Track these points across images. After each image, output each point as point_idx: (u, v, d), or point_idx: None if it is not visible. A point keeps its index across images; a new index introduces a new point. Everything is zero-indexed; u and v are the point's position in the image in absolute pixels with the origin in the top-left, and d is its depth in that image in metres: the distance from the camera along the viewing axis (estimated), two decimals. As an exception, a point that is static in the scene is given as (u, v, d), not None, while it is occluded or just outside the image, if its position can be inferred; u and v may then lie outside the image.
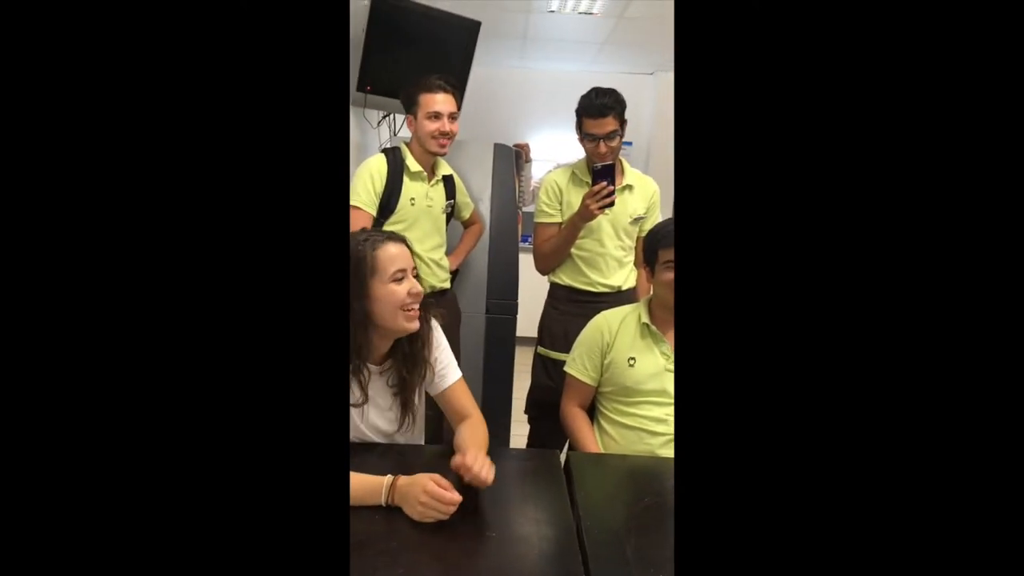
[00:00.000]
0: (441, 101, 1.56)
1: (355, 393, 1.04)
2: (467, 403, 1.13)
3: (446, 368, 1.13)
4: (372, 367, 1.08)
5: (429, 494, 0.83)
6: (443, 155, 1.66)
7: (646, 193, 1.70)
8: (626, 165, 1.71)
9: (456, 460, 0.86)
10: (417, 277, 1.05)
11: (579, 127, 1.62)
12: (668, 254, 1.26)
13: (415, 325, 1.04)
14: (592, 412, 1.39)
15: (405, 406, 1.09)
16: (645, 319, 1.33)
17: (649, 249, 1.32)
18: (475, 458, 0.86)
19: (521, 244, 2.19)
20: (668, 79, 3.96)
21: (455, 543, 0.81)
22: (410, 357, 1.08)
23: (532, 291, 2.07)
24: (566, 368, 1.40)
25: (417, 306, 1.04)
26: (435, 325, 1.14)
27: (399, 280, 1.01)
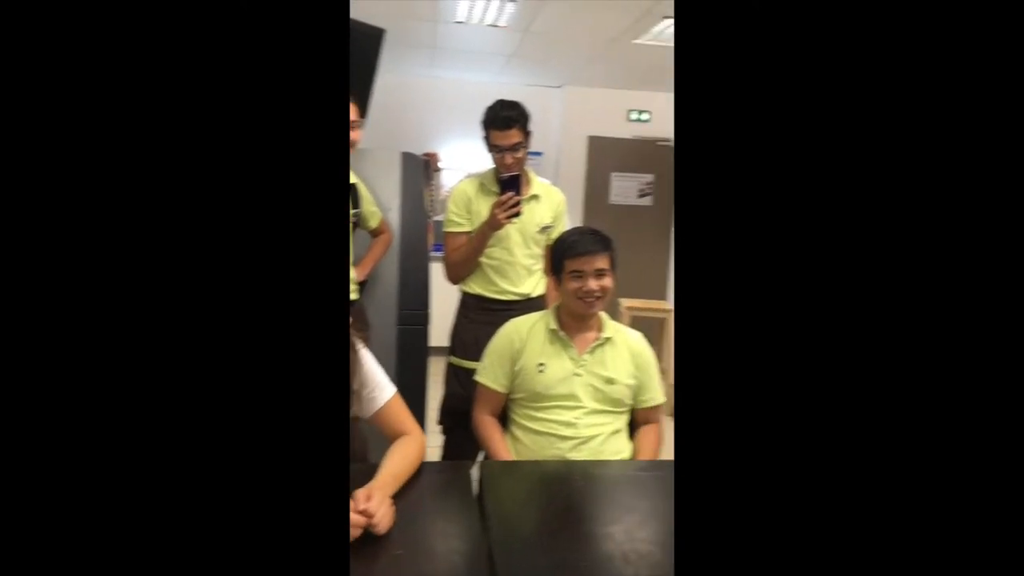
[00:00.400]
0: None
1: None
2: (404, 420, 1.07)
3: (375, 390, 1.06)
4: None
5: None
6: None
7: (552, 202, 1.75)
8: (532, 175, 1.75)
9: (360, 500, 0.82)
10: None
11: (485, 138, 1.64)
12: (573, 263, 1.30)
13: None
14: (505, 420, 1.40)
15: None
16: (554, 325, 1.36)
17: (555, 258, 1.36)
18: (378, 505, 0.83)
19: (432, 254, 2.17)
20: (574, 92, 4.11)
21: (360, 563, 0.79)
22: None
23: (444, 301, 2.05)
24: (476, 377, 1.40)
25: None
26: (360, 347, 1.07)
27: None
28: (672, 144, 4.28)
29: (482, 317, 1.69)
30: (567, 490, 1.08)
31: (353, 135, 1.56)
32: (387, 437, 1.07)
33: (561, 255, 1.33)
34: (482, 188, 1.70)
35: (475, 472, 1.09)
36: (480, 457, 1.40)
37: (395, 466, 0.97)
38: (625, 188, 4.31)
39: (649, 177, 4.30)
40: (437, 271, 1.86)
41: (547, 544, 0.88)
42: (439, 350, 1.89)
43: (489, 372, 1.38)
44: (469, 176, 1.76)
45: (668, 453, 1.39)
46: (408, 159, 2.09)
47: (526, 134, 1.63)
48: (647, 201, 4.33)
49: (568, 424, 1.30)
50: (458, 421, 1.58)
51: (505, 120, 1.58)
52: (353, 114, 1.55)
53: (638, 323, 2.91)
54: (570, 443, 1.29)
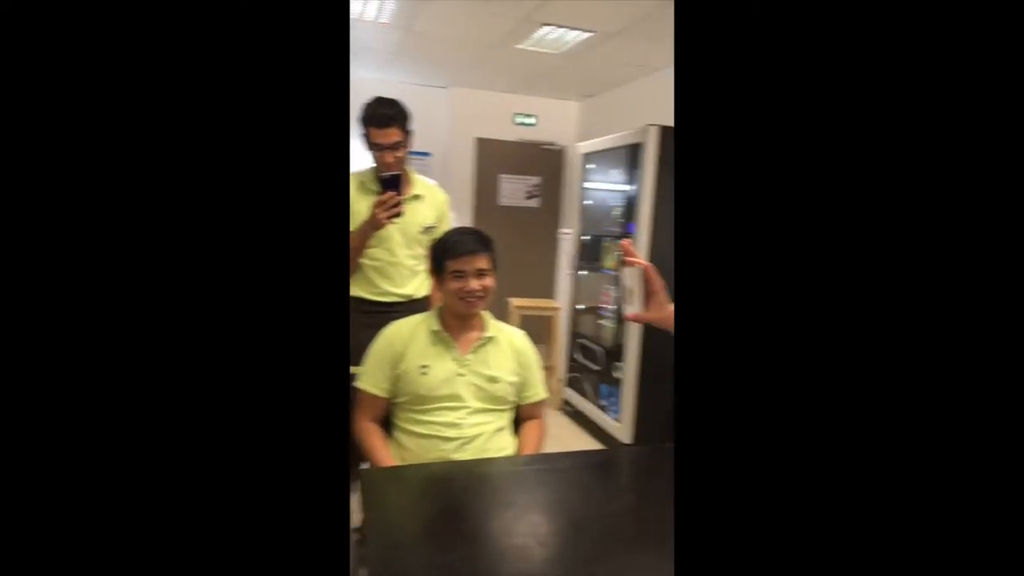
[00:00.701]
0: None
1: None
2: None
3: None
4: None
5: None
6: None
7: (435, 202, 1.74)
8: (414, 175, 1.73)
9: None
10: None
11: (364, 136, 1.59)
12: (455, 264, 1.30)
13: None
14: (388, 425, 1.37)
15: None
16: (436, 327, 1.35)
17: (436, 259, 1.35)
18: None
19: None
20: (460, 93, 4.12)
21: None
22: None
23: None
24: (356, 383, 1.35)
25: None
26: None
27: None
28: (556, 148, 4.43)
29: (364, 320, 1.63)
30: (449, 491, 1.07)
31: None
32: None
33: (442, 256, 1.33)
34: (362, 187, 1.65)
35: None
36: (364, 466, 1.35)
37: None
38: (513, 190, 4.39)
39: (536, 179, 4.42)
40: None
41: (424, 547, 0.87)
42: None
43: (369, 377, 1.33)
44: (350, 174, 1.70)
45: (551, 446, 1.43)
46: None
47: (406, 133, 1.60)
48: (535, 203, 4.45)
49: (452, 425, 1.30)
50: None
51: (383, 118, 1.54)
52: None
53: (527, 322, 2.97)
54: (454, 444, 1.29)
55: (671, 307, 0.92)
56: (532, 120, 4.33)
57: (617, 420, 2.76)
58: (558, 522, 0.97)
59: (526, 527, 0.92)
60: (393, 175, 1.51)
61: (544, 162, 4.40)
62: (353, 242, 1.58)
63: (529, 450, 1.36)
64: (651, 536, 0.90)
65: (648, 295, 0.88)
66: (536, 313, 3.39)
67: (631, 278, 0.87)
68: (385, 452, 1.30)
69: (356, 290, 1.67)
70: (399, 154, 1.58)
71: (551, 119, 4.36)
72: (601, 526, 0.95)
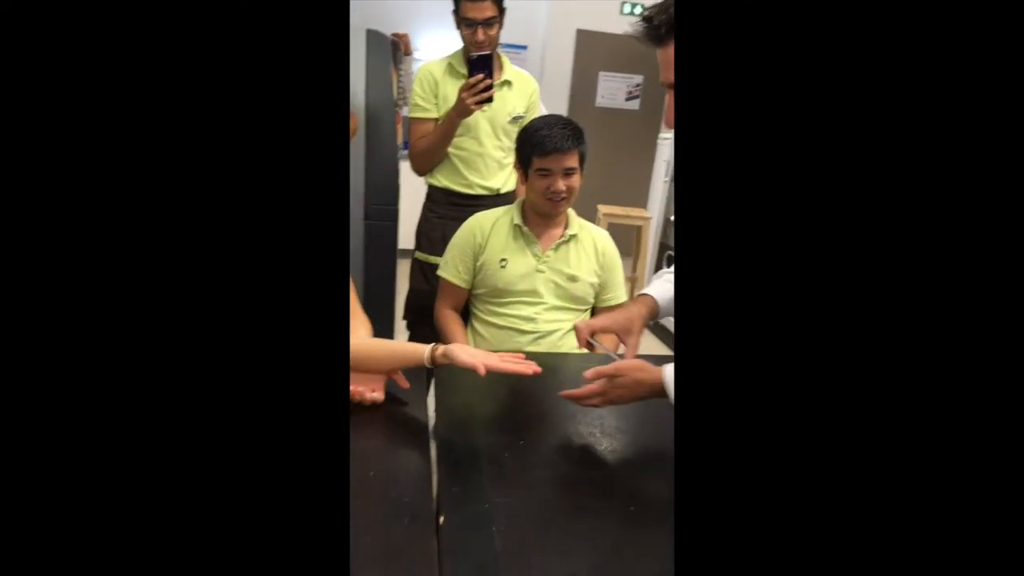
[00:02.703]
0: None
1: None
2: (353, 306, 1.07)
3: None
4: None
5: None
6: None
7: (526, 91, 1.64)
8: (505, 60, 1.63)
9: None
10: None
11: (456, 11, 1.50)
12: (542, 162, 1.23)
13: None
14: (467, 314, 1.40)
15: None
16: (518, 220, 1.32)
17: (523, 152, 1.28)
18: None
19: (402, 152, 2.06)
20: (564, -21, 3.78)
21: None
22: None
23: (416, 202, 1.97)
24: (439, 271, 1.37)
25: None
26: None
27: None
28: (665, 43, 4.03)
29: (450, 212, 1.64)
30: (520, 378, 1.08)
31: None
32: None
33: (529, 150, 1.26)
34: (450, 70, 1.58)
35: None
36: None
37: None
38: (613, 89, 4.11)
39: (638, 79, 4.09)
40: (408, 170, 1.77)
41: (490, 428, 0.90)
42: (408, 253, 1.84)
43: (451, 267, 1.35)
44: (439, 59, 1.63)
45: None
46: (374, 38, 1.93)
47: (501, 9, 1.49)
48: (634, 105, 4.15)
49: (528, 319, 1.30)
50: (422, 316, 1.57)
51: None
52: None
53: (615, 230, 2.87)
54: (529, 337, 1.29)
55: None
56: (642, 8, 3.92)
57: (700, 336, 2.68)
58: (625, 418, 0.96)
59: (593, 418, 0.92)
60: (484, 55, 1.42)
61: (650, 59, 4.04)
62: (440, 130, 1.55)
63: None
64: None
65: None
66: (625, 222, 3.26)
67: None
68: (462, 339, 1.33)
69: (443, 181, 1.65)
70: (492, 32, 1.48)
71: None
72: (667, 425, 0.93)
